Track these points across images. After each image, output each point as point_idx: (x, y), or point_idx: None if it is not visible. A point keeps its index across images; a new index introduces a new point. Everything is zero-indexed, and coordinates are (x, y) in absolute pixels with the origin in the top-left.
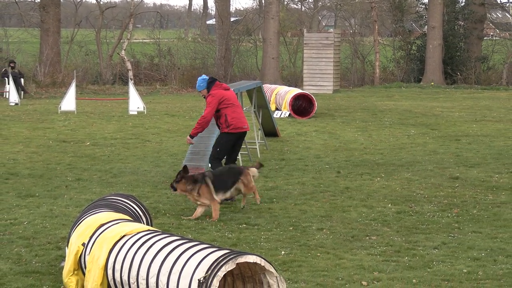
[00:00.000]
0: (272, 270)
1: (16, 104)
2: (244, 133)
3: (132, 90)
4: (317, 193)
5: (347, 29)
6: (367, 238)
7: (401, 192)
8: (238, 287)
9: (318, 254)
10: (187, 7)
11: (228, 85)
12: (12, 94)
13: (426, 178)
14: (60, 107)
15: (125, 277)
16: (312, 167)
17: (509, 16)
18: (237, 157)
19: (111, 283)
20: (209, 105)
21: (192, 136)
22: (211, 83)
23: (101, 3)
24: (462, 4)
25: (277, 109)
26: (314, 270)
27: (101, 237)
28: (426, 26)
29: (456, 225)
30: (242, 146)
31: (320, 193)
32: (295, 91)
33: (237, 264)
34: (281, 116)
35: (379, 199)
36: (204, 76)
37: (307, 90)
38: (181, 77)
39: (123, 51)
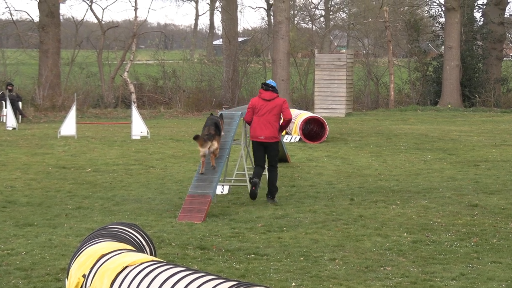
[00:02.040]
0: None
1: (14, 128)
2: (264, 143)
3: (135, 113)
4: (329, 222)
5: (360, 49)
6: (382, 268)
7: (418, 221)
8: None
9: (331, 285)
10: (192, 27)
11: (272, 95)
12: (9, 118)
13: (444, 205)
14: (60, 131)
15: None
16: (324, 194)
17: None
18: (274, 163)
19: None
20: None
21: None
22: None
23: (103, 22)
24: (480, 23)
25: (287, 133)
26: None
27: (103, 268)
28: (442, 47)
29: (475, 255)
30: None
31: (333, 222)
32: (306, 114)
33: None
34: (291, 141)
35: (394, 228)
36: (267, 81)
37: (319, 113)
38: (186, 100)
39: (125, 73)
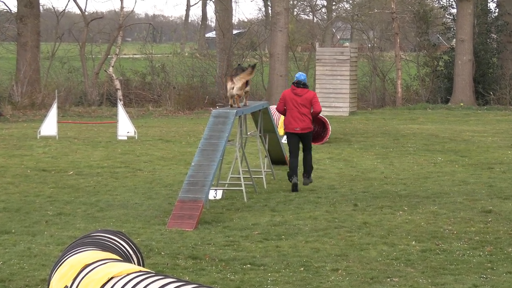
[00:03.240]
0: None
1: None
2: (299, 134)
3: (121, 112)
4: (331, 229)
5: (365, 43)
6: (388, 280)
7: (427, 228)
8: None
9: None
10: (183, 18)
11: (303, 91)
12: None
13: (455, 211)
14: (40, 131)
15: None
16: (325, 199)
17: None
18: (309, 146)
19: None
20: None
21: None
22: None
23: (86, 13)
24: (495, 14)
25: (285, 133)
26: None
27: (86, 279)
28: (454, 40)
29: (489, 265)
30: (246, 176)
31: (335, 229)
32: None
33: None
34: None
35: (402, 236)
36: (298, 76)
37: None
38: (176, 97)
39: (111, 68)
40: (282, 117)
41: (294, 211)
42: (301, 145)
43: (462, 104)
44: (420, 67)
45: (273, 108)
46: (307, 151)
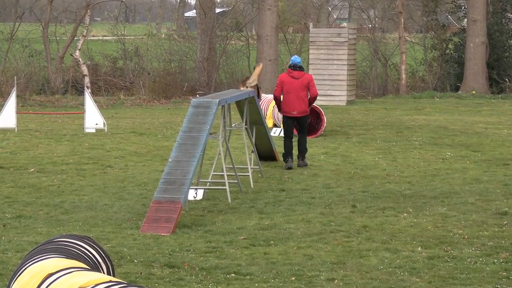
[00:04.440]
0: None
1: None
2: (296, 117)
3: (88, 101)
4: (327, 234)
5: (365, 23)
6: None
7: (434, 232)
8: None
9: None
10: None
11: (299, 73)
12: None
13: (466, 213)
14: None
15: None
16: (320, 199)
17: None
18: (305, 129)
19: None
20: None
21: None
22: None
23: None
24: None
25: (275, 125)
26: None
27: None
28: (465, 20)
29: (505, 273)
30: (230, 174)
31: (331, 234)
32: None
33: None
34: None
35: (406, 241)
36: (293, 59)
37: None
38: (152, 84)
39: (77, 51)
40: (271, 107)
41: (285, 213)
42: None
43: (474, 92)
44: (427, 51)
45: (261, 97)
46: (302, 133)
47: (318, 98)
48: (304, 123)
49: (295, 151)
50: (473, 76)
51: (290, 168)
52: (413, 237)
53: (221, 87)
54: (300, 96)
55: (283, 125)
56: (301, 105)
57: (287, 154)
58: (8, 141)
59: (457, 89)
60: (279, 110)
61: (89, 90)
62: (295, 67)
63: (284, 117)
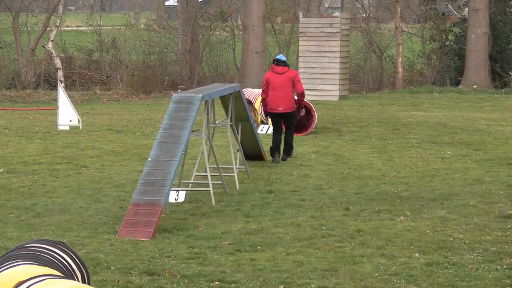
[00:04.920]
0: None
1: None
2: (282, 114)
3: (62, 96)
4: (318, 238)
5: (359, 12)
6: None
7: (433, 237)
8: None
9: None
10: None
11: (283, 68)
12: None
13: (467, 217)
14: None
15: None
16: (310, 202)
17: None
18: (292, 126)
19: None
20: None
21: (267, 116)
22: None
23: None
24: None
25: (262, 122)
26: None
27: None
28: (466, 9)
29: (508, 281)
30: (214, 174)
31: (322, 238)
32: None
33: None
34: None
35: (403, 246)
36: (277, 56)
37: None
38: (130, 78)
39: (50, 42)
40: (258, 103)
41: (273, 217)
42: None
43: (475, 86)
44: (426, 42)
45: (247, 92)
46: (289, 130)
47: (308, 93)
48: (291, 119)
49: (282, 146)
50: (475, 69)
51: (276, 162)
52: (410, 242)
53: (204, 81)
54: (285, 92)
55: (272, 120)
56: (287, 101)
57: (275, 148)
58: None
59: (457, 83)
60: (265, 111)
61: (63, 85)
62: (279, 62)
63: (270, 114)
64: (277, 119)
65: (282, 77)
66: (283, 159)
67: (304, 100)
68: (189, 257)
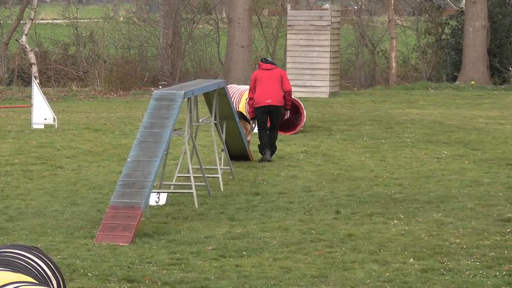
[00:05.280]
0: None
1: None
2: (269, 106)
3: (37, 93)
4: (307, 243)
5: (350, 4)
6: None
7: (429, 241)
8: None
9: None
10: None
11: (271, 66)
12: None
13: (465, 220)
14: None
15: None
16: (299, 205)
17: None
18: (276, 125)
19: None
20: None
21: (252, 119)
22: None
23: None
24: None
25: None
26: None
27: None
28: (463, 0)
29: None
30: (198, 175)
31: (311, 243)
32: None
33: None
34: (255, 131)
35: (397, 252)
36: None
37: (293, 93)
38: (108, 74)
39: (24, 36)
40: (244, 100)
41: (259, 220)
42: None
43: (473, 82)
44: (421, 36)
45: (231, 88)
46: (273, 130)
47: (297, 89)
48: (276, 117)
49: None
50: (473, 64)
51: (268, 160)
52: (405, 247)
53: (187, 77)
54: (273, 86)
55: (259, 117)
56: (275, 94)
57: (264, 146)
58: None
59: (454, 79)
60: (251, 112)
61: (37, 81)
62: (266, 60)
63: (256, 110)
64: (264, 116)
65: (270, 72)
66: (267, 159)
67: (292, 97)
68: (170, 263)
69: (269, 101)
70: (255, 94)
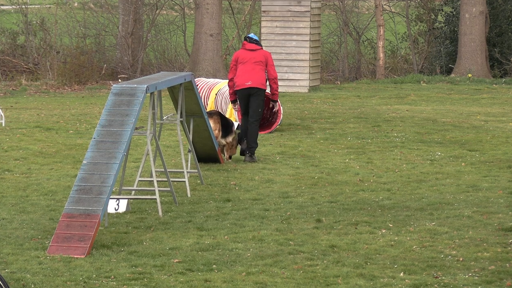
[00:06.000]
0: None
1: None
2: (250, 89)
3: None
4: (284, 255)
5: None
6: None
7: (421, 253)
8: None
9: None
10: None
11: (256, 46)
12: None
13: (461, 229)
14: None
15: None
16: (275, 212)
17: None
18: (256, 117)
19: None
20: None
21: (234, 102)
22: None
23: None
24: None
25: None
26: None
27: None
28: None
29: None
30: (162, 179)
31: (289, 255)
32: None
33: None
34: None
35: (385, 265)
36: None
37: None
38: (61, 66)
39: None
40: (213, 96)
41: (231, 230)
42: None
43: (470, 75)
44: (411, 23)
45: (199, 82)
46: (253, 121)
47: None
48: (257, 103)
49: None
50: (469, 55)
51: (250, 156)
52: (394, 259)
53: (149, 70)
54: (255, 68)
55: (239, 101)
56: (257, 76)
57: (244, 134)
58: None
59: (449, 71)
60: (232, 94)
61: None
62: (251, 39)
63: (238, 92)
64: (245, 99)
65: (253, 53)
66: (248, 160)
67: (276, 90)
68: (131, 277)
69: (249, 83)
70: (235, 77)
